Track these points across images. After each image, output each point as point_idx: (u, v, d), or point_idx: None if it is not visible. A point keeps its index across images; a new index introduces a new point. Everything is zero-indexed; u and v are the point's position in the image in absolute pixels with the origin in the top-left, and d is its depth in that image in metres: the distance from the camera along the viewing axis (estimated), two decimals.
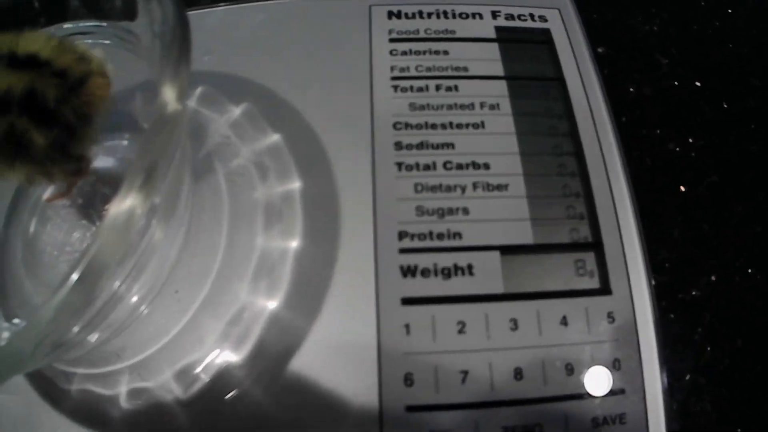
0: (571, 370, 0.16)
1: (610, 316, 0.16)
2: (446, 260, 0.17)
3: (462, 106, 0.19)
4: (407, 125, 0.18)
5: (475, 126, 0.18)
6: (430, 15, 0.21)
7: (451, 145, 0.18)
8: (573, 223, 0.17)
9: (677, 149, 0.21)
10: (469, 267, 0.17)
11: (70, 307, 0.10)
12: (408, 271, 0.16)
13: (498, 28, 0.20)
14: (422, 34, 0.20)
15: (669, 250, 0.19)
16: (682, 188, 0.20)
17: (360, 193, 0.17)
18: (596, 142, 0.18)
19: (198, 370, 0.16)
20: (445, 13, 0.21)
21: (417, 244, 0.17)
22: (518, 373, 0.16)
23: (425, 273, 0.16)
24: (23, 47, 0.14)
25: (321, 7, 0.21)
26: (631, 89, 0.21)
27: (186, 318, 0.16)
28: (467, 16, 0.21)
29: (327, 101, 0.19)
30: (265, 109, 0.19)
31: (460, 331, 0.16)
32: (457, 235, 0.17)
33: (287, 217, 0.17)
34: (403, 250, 0.17)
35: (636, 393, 0.16)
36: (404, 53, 0.20)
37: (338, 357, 0.16)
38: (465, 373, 0.16)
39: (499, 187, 0.18)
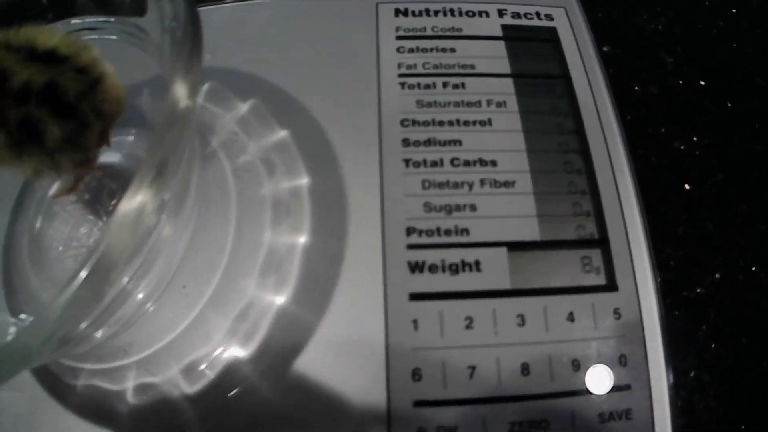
0: (578, 365, 0.16)
1: (616, 313, 0.17)
2: (454, 256, 0.17)
3: (469, 104, 0.19)
4: (414, 122, 0.19)
5: (482, 123, 0.19)
6: (436, 13, 0.21)
7: (458, 142, 0.18)
8: (579, 220, 0.17)
9: (682, 148, 0.21)
10: (477, 263, 0.17)
11: (79, 303, 0.10)
12: (416, 267, 0.17)
13: (504, 27, 0.20)
14: (429, 32, 0.20)
15: (674, 248, 0.19)
16: (687, 186, 0.20)
17: (368, 189, 0.17)
18: (602, 140, 0.19)
19: (205, 365, 0.16)
20: (451, 11, 0.21)
21: (425, 240, 0.17)
22: (525, 369, 0.16)
23: (433, 269, 0.17)
24: (42, 42, 0.14)
25: (328, 4, 0.21)
26: (636, 88, 0.21)
27: (193, 313, 0.17)
28: (474, 14, 0.21)
29: (334, 98, 0.19)
30: (272, 105, 0.19)
31: (468, 327, 0.16)
32: (465, 231, 0.17)
33: (295, 213, 0.17)
34: (410, 246, 0.17)
35: (642, 389, 0.16)
36: (411, 51, 0.20)
37: (346, 352, 0.16)
38: (472, 368, 0.16)
39: (506, 184, 0.18)
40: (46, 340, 0.11)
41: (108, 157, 0.18)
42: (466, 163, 0.18)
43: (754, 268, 0.19)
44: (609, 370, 0.16)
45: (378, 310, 0.16)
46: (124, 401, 0.16)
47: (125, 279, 0.14)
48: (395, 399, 0.15)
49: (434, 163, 0.18)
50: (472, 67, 0.19)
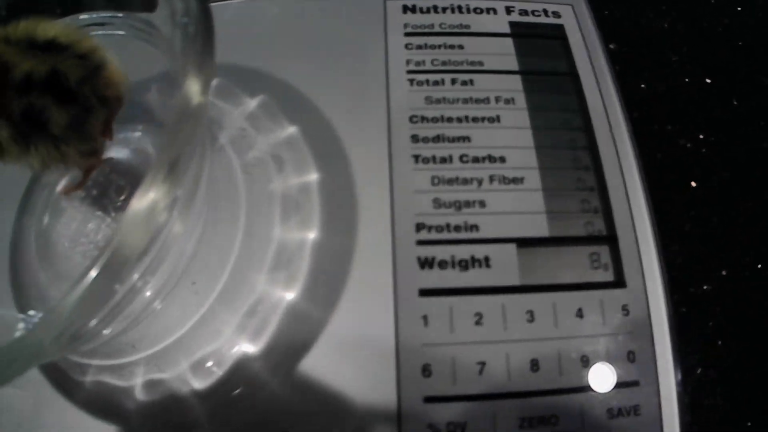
0: (587, 361, 0.16)
1: (625, 309, 0.17)
2: (463, 252, 0.17)
3: (477, 100, 0.19)
4: (423, 118, 0.19)
5: (491, 120, 0.19)
6: (444, 10, 0.21)
7: (467, 139, 0.18)
8: (588, 217, 0.17)
9: (688, 145, 0.21)
10: (486, 259, 0.17)
11: (91, 300, 0.10)
12: (426, 263, 0.17)
13: (512, 24, 0.20)
14: (437, 29, 0.20)
15: (680, 245, 0.19)
16: (693, 184, 0.20)
17: (377, 185, 0.17)
18: (610, 137, 0.19)
19: (214, 361, 0.16)
20: (459, 7, 0.21)
21: (434, 236, 0.17)
22: (534, 365, 0.16)
23: (443, 265, 0.17)
24: (42, 33, 0.14)
25: (336, 0, 0.21)
26: (643, 85, 0.21)
27: (203, 309, 0.16)
28: (482, 11, 0.21)
29: (343, 94, 0.19)
30: (281, 101, 0.19)
31: (478, 323, 0.16)
32: (474, 227, 0.17)
33: (304, 209, 0.17)
34: (420, 242, 0.17)
35: (650, 385, 0.16)
36: (419, 47, 0.20)
37: (356, 348, 0.16)
38: (482, 364, 0.16)
39: (515, 181, 0.18)
40: (58, 336, 0.11)
41: (115, 152, 0.18)
42: (475, 160, 0.18)
43: (759, 266, 0.19)
44: (617, 366, 0.16)
45: (388, 306, 0.16)
46: (132, 398, 0.16)
47: (135, 276, 0.14)
48: (405, 395, 0.15)
49: (443, 160, 0.18)
50: (481, 63, 0.20)
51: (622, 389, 0.16)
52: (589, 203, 0.18)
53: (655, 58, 0.22)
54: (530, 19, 0.21)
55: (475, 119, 0.19)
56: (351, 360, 0.16)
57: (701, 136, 0.21)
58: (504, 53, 0.20)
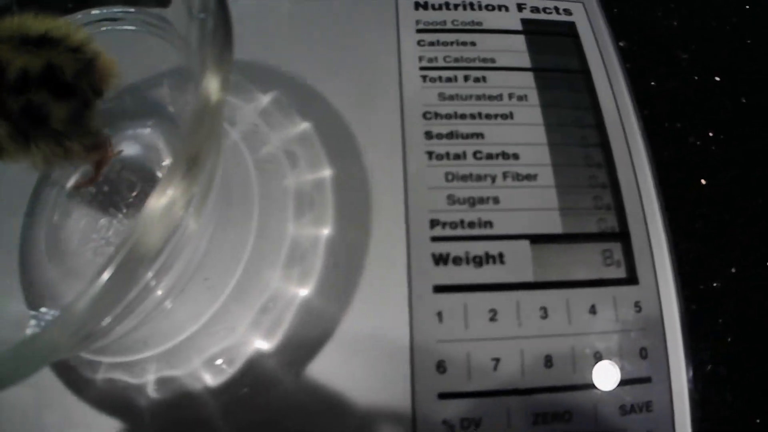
0: (600, 358, 0.16)
1: (637, 306, 0.17)
2: (478, 249, 0.17)
3: (490, 97, 0.19)
4: (437, 115, 0.19)
5: (504, 117, 0.19)
6: (456, 6, 0.21)
7: (480, 135, 0.18)
8: (600, 214, 0.17)
9: (698, 143, 0.21)
10: (500, 255, 0.17)
11: (107, 298, 0.10)
12: (440, 259, 0.17)
13: (524, 21, 0.20)
14: (449, 26, 0.20)
15: (690, 242, 0.19)
16: (703, 181, 0.20)
17: (391, 181, 0.17)
18: (622, 134, 0.19)
19: (228, 358, 0.16)
20: (471, 4, 0.21)
21: (448, 232, 0.17)
22: (548, 361, 0.16)
23: (457, 261, 0.17)
24: (34, 28, 0.14)
25: None
26: (652, 83, 0.22)
27: (216, 306, 0.16)
28: (493, 8, 0.21)
29: (356, 90, 0.19)
30: (294, 97, 0.19)
31: (492, 319, 0.16)
32: (488, 223, 0.17)
33: (318, 205, 0.17)
34: (434, 239, 0.17)
35: (662, 382, 0.16)
36: (432, 44, 0.20)
37: (370, 345, 0.16)
38: (497, 360, 0.16)
39: (529, 177, 0.18)
40: (73, 334, 0.11)
41: (126, 149, 0.18)
42: (489, 156, 0.18)
43: None
44: (630, 362, 0.16)
45: (402, 303, 0.16)
46: (144, 395, 0.16)
47: (150, 274, 0.14)
48: (420, 391, 0.15)
49: (457, 156, 0.18)
50: (493, 60, 0.20)
51: (635, 385, 0.16)
52: (602, 200, 0.18)
53: (665, 56, 0.22)
54: (542, 16, 0.21)
55: (488, 116, 0.19)
56: (365, 356, 0.16)
57: (710, 134, 0.21)
58: (516, 50, 0.20)
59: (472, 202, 0.17)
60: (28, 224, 0.18)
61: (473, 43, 0.20)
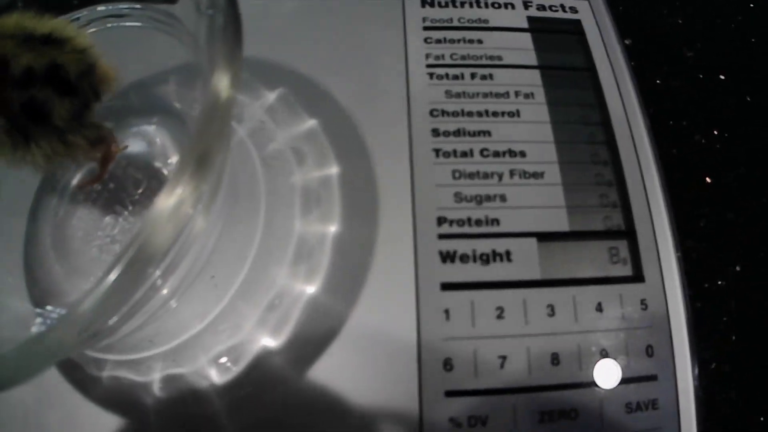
0: (606, 356, 0.16)
1: (643, 304, 0.17)
2: (485, 246, 0.17)
3: (497, 95, 0.19)
4: (444, 112, 0.19)
5: (511, 114, 0.19)
6: (462, 4, 0.21)
7: (487, 133, 0.18)
8: (606, 211, 0.17)
9: (703, 141, 0.21)
10: (507, 253, 0.17)
11: (115, 297, 0.10)
12: (447, 257, 0.17)
13: (530, 18, 0.20)
14: (456, 23, 0.20)
15: (695, 240, 0.19)
16: (708, 180, 0.20)
17: (398, 179, 0.17)
18: (628, 132, 0.19)
19: (234, 356, 0.16)
20: (477, 2, 0.21)
21: (456, 230, 0.17)
22: (555, 359, 0.16)
23: (464, 258, 0.17)
24: (39, 28, 0.14)
25: None
26: (658, 81, 0.22)
27: (222, 303, 0.16)
28: (499, 6, 0.21)
29: (362, 87, 0.19)
30: (300, 94, 0.19)
31: (499, 317, 0.16)
32: (495, 221, 0.17)
33: (325, 202, 0.17)
34: (442, 236, 0.17)
35: (668, 379, 0.16)
36: (438, 41, 0.20)
37: (377, 342, 0.16)
38: (503, 358, 0.16)
39: (535, 175, 0.18)
40: (80, 333, 0.11)
41: (132, 145, 0.18)
42: (496, 154, 0.18)
43: None
44: (636, 360, 0.16)
45: (409, 300, 0.16)
46: (150, 393, 0.16)
47: (158, 272, 0.14)
48: (427, 389, 0.15)
49: (464, 154, 0.18)
50: (500, 58, 0.19)
51: (641, 383, 0.16)
52: (608, 198, 0.18)
53: (670, 54, 0.22)
54: (548, 14, 0.21)
55: (495, 113, 0.19)
56: (372, 354, 0.16)
57: (715, 132, 0.21)
58: (522, 48, 0.20)
59: (479, 199, 0.17)
60: (32, 222, 0.18)
61: (480, 41, 0.20)
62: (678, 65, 0.22)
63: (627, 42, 0.21)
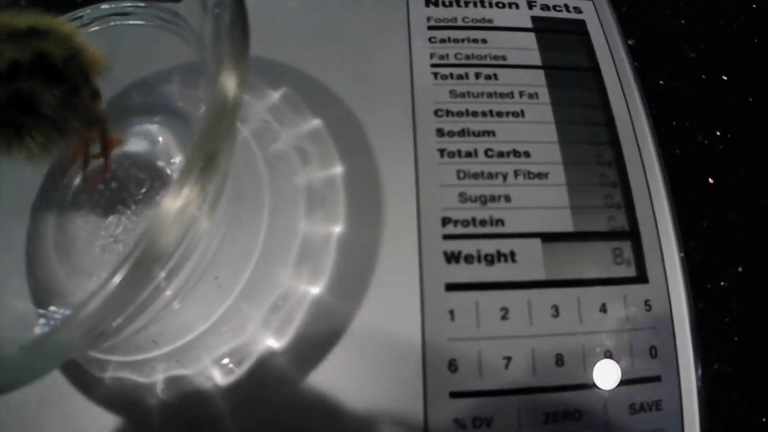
0: (610, 356, 0.16)
1: (647, 304, 0.17)
2: (489, 247, 0.17)
3: (502, 95, 0.19)
4: (448, 112, 0.18)
5: (515, 114, 0.19)
6: (467, 4, 0.21)
7: (492, 133, 0.18)
8: (610, 212, 0.17)
9: (705, 142, 0.21)
10: (512, 254, 0.17)
11: (120, 298, 0.10)
12: (452, 257, 0.16)
13: (534, 18, 0.20)
14: (460, 23, 0.20)
15: (697, 241, 0.19)
16: (711, 180, 0.20)
17: (403, 179, 0.17)
18: (632, 133, 0.19)
19: (238, 357, 0.16)
20: (481, 2, 0.21)
21: (460, 230, 0.17)
22: (559, 360, 0.16)
23: (469, 259, 0.16)
24: (22, 23, 0.14)
25: None
26: (661, 81, 0.22)
27: (226, 304, 0.16)
28: (504, 6, 0.21)
29: (367, 87, 0.19)
30: (304, 94, 0.19)
31: (504, 318, 0.16)
32: (500, 222, 0.17)
33: (329, 203, 0.17)
34: (446, 237, 0.17)
35: (671, 380, 0.16)
36: (443, 41, 0.20)
37: (382, 343, 0.16)
38: (508, 359, 0.16)
39: (540, 175, 0.18)
40: (84, 334, 0.10)
41: (134, 145, 0.18)
42: (500, 154, 0.18)
43: None
44: (640, 361, 0.16)
45: (414, 301, 0.16)
46: (153, 394, 0.16)
47: (162, 273, 0.13)
48: (431, 390, 0.15)
49: (469, 154, 0.18)
50: (504, 58, 0.19)
51: (645, 384, 0.16)
52: (612, 198, 0.18)
53: (672, 54, 0.22)
54: (552, 14, 0.21)
55: (499, 113, 0.19)
56: (376, 355, 0.16)
57: (717, 133, 0.21)
58: (527, 48, 0.20)
59: (484, 200, 0.17)
60: (34, 222, 0.18)
61: (484, 41, 0.20)
62: (680, 66, 0.22)
63: (630, 42, 0.21)
